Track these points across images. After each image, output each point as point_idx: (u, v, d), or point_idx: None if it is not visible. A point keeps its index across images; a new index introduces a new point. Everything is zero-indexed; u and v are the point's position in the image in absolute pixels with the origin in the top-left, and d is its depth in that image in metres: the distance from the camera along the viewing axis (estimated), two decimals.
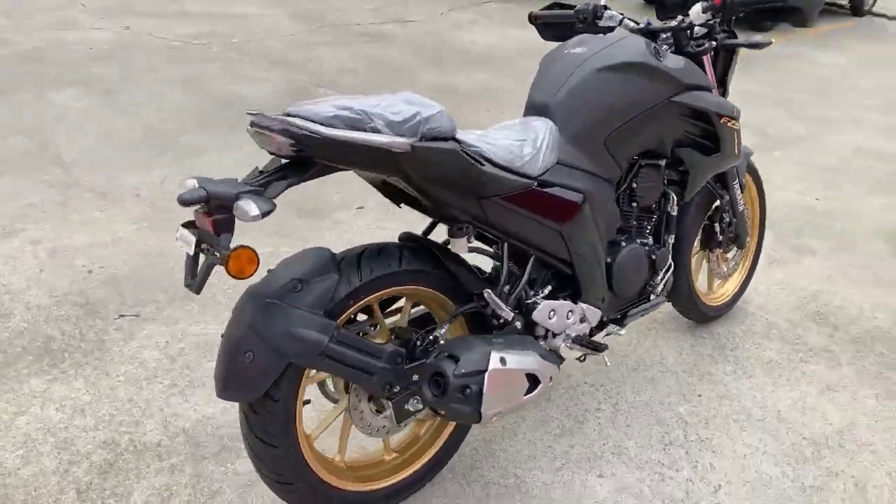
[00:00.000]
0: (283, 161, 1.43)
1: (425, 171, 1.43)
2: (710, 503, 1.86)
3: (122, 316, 2.38)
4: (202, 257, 1.35)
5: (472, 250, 1.77)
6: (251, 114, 1.41)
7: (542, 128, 1.72)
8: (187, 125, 3.95)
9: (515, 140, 1.65)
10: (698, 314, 2.49)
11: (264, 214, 1.26)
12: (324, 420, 1.61)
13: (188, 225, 1.39)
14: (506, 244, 1.69)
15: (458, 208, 1.54)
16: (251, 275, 1.31)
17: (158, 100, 4.26)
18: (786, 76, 5.98)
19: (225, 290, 2.56)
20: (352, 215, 3.15)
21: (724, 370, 2.37)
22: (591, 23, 2.11)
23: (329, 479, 1.58)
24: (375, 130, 1.37)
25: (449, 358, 1.48)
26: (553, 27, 2.20)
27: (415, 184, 1.45)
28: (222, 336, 1.45)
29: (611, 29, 2.13)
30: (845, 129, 4.83)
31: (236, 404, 2.03)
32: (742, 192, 2.37)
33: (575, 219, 1.74)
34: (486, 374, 1.46)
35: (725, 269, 2.56)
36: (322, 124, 1.34)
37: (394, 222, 3.13)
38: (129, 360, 2.19)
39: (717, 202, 2.34)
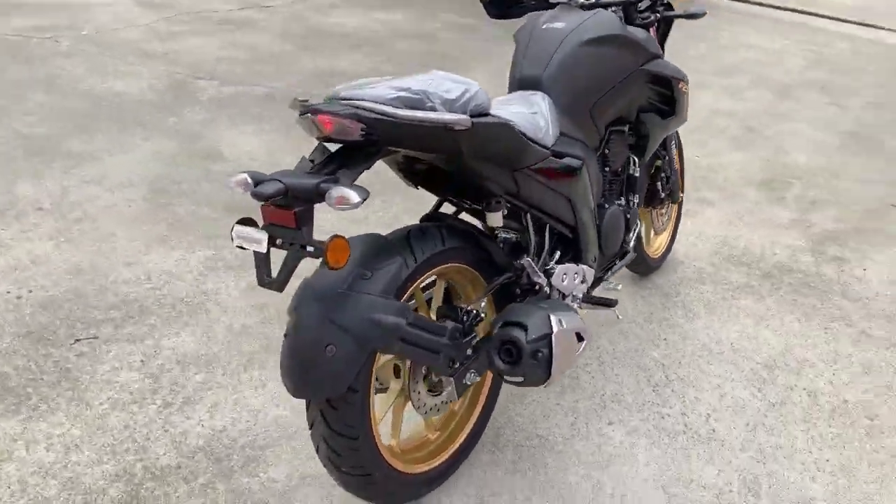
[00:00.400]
0: (334, 148, 1.40)
1: (478, 146, 1.46)
2: (706, 430, 2.08)
3: (77, 340, 2.15)
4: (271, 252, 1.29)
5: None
6: (301, 101, 1.36)
7: (542, 101, 1.80)
8: (65, 128, 3.56)
9: (529, 113, 1.71)
10: (645, 267, 2.72)
11: (363, 200, 1.23)
12: (382, 405, 1.60)
13: (244, 222, 1.32)
14: (529, 214, 1.76)
15: (496, 182, 1.59)
16: (345, 264, 1.27)
17: (21, 103, 3.79)
18: None
19: (184, 299, 2.39)
20: None
21: (675, 315, 2.62)
22: None
23: (396, 464, 1.58)
24: (433, 109, 1.38)
25: (516, 326, 1.53)
26: (500, 5, 2.27)
27: (463, 160, 1.48)
28: (286, 336, 1.39)
29: (555, 5, 2.23)
30: (696, 93, 5.38)
31: (249, 413, 1.94)
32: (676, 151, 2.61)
33: (580, 185, 1.85)
34: (553, 337, 1.53)
35: (661, 224, 2.81)
36: (385, 106, 1.32)
37: (330, 214, 3.06)
38: (106, 385, 1.99)
39: (659, 162, 2.57)
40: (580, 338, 1.66)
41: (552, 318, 1.56)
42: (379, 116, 1.30)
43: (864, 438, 2.11)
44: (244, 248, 1.33)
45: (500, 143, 1.49)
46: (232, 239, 1.32)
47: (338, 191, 1.23)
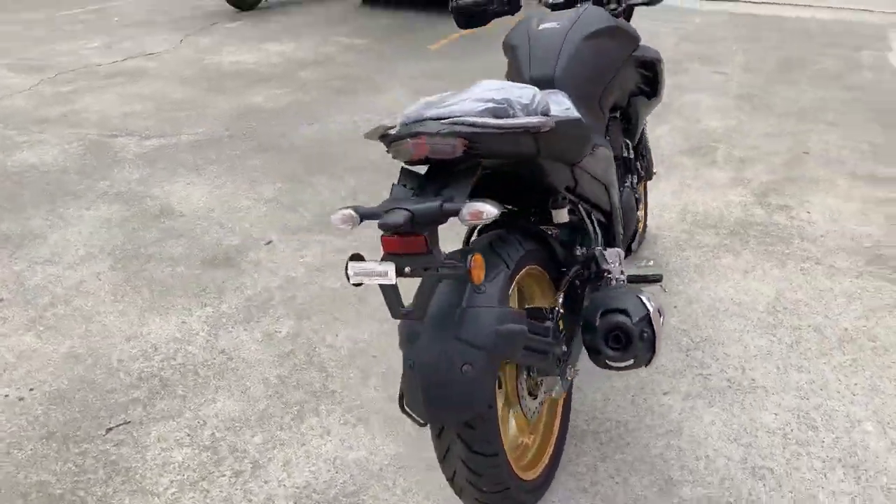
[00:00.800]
0: (424, 170, 1.39)
1: (553, 144, 1.49)
2: (747, 380, 2.21)
3: (109, 430, 1.97)
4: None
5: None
6: (388, 127, 1.34)
7: (564, 98, 1.86)
8: None
9: (563, 109, 1.76)
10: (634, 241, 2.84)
11: (500, 213, 1.22)
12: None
13: (357, 258, 1.28)
14: (580, 206, 1.81)
15: (558, 178, 1.63)
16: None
17: None
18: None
19: (204, 363, 2.24)
20: (266, 252, 2.92)
21: (673, 282, 2.76)
22: (506, 1, 2.25)
23: (519, 473, 1.57)
24: (515, 116, 1.39)
25: (618, 312, 1.57)
26: (468, 15, 2.31)
27: (536, 161, 1.50)
28: (410, 365, 1.36)
29: (512, 10, 2.28)
30: None
31: (325, 462, 1.87)
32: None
33: (612, 171, 1.92)
34: (651, 317, 1.58)
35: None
36: (480, 118, 1.33)
37: (310, 249, 2.97)
38: (163, 468, 1.84)
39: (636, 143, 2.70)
40: (660, 313, 1.73)
41: (642, 299, 1.61)
42: (480, 130, 1.30)
43: (875, 359, 2.32)
44: (361, 284, 1.29)
45: (570, 139, 1.53)
46: (348, 278, 1.28)
47: (471, 206, 1.22)
